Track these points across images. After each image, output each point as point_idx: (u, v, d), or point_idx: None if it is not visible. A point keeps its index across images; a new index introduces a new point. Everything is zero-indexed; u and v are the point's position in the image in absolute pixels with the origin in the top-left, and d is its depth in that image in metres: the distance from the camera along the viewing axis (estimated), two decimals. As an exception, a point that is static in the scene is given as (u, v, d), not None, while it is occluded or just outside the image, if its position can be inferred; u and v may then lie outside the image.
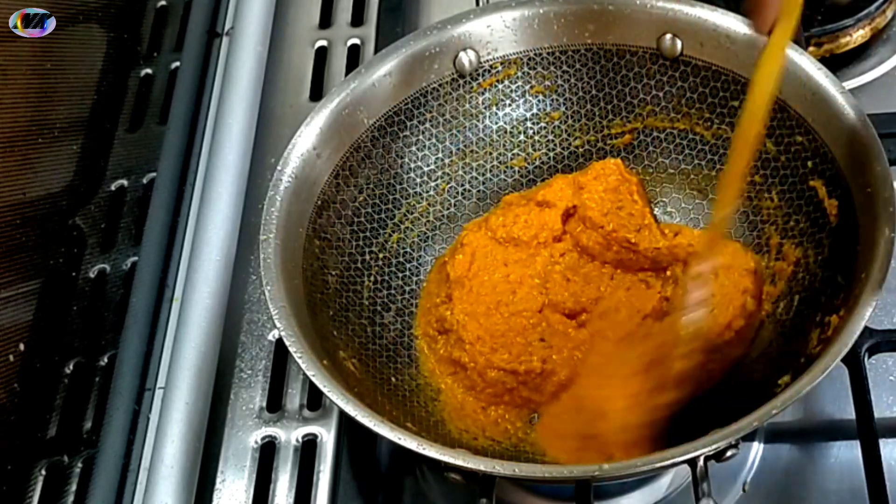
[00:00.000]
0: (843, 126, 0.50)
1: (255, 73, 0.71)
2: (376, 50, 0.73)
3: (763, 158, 0.54)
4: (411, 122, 0.57)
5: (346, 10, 0.77)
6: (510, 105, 0.59)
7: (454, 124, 0.58)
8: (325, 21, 0.77)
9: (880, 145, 0.48)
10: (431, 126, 0.58)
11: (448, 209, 0.59)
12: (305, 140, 0.53)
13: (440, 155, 0.59)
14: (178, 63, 0.74)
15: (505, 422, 0.52)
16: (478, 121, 0.59)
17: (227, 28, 0.75)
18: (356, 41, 0.75)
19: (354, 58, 0.75)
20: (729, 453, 0.42)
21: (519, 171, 0.60)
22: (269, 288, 0.47)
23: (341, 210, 0.54)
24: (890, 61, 0.69)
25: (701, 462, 0.41)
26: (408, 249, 0.57)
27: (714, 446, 0.40)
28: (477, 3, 0.73)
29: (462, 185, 0.59)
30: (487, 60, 0.58)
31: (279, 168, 0.52)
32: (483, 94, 0.58)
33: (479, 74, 0.58)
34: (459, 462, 0.41)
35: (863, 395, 0.50)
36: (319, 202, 0.53)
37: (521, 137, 0.60)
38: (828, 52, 0.68)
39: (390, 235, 0.57)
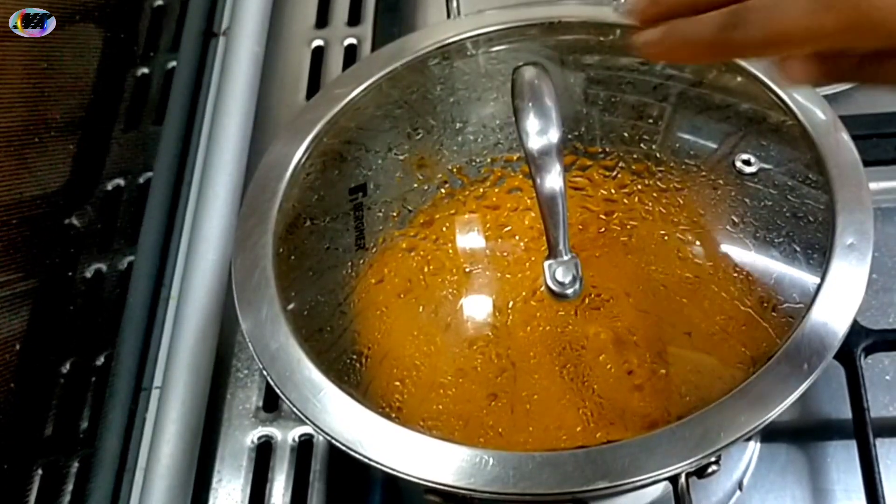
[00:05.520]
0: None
1: (251, 73, 0.71)
2: (373, 49, 0.73)
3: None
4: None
5: (342, 10, 0.77)
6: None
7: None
8: (322, 20, 0.77)
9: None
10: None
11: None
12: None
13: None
14: (174, 63, 0.74)
15: None
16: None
17: (223, 28, 0.75)
18: (353, 41, 0.75)
19: (351, 57, 0.74)
20: (711, 469, 0.40)
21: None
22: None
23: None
24: (887, 61, 0.69)
25: (682, 479, 0.40)
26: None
27: (695, 462, 0.38)
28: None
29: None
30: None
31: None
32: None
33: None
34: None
35: (859, 395, 0.50)
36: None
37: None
38: (825, 52, 0.67)
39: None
